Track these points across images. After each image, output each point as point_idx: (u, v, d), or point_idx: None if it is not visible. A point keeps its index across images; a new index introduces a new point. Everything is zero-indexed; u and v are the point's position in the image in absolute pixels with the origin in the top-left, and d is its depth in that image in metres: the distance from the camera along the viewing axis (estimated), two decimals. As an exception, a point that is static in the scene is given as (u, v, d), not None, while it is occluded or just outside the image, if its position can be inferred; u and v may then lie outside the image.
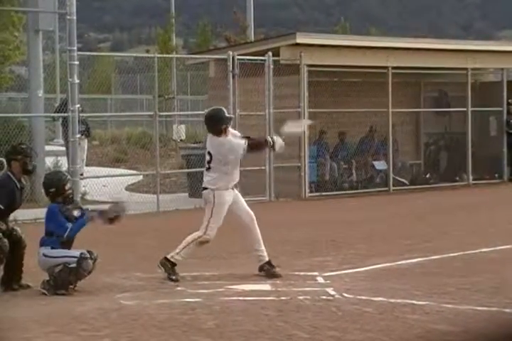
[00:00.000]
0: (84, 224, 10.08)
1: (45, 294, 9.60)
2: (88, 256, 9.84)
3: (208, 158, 10.90)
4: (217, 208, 10.72)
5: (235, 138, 10.91)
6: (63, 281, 9.67)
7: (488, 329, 7.75)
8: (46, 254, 9.86)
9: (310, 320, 8.22)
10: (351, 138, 22.55)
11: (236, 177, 10.90)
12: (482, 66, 24.13)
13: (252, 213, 10.82)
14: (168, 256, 10.55)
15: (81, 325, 8.13)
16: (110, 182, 21.71)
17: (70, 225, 9.94)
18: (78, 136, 17.76)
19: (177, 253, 10.57)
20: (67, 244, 9.98)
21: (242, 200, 10.97)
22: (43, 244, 9.95)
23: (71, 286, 9.72)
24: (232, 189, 10.85)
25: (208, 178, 10.90)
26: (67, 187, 10.09)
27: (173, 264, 10.53)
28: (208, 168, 10.88)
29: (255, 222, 10.76)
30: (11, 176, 10.22)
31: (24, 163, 10.24)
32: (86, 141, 21.73)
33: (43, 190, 10.52)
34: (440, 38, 26.00)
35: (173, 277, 10.42)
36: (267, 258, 10.69)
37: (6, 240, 9.85)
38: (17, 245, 10.01)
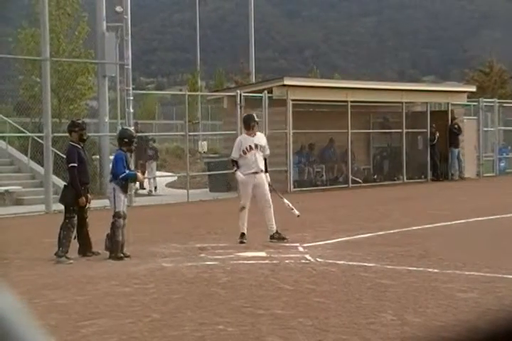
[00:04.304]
0: (134, 175, 10.07)
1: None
2: (122, 215, 9.66)
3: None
4: None
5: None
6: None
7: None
8: (112, 191, 9.69)
9: (293, 276, 8.21)
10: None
11: None
12: (412, 100, 24.14)
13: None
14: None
15: (134, 280, 8.12)
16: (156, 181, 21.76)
17: (126, 171, 9.84)
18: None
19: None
20: (125, 187, 9.81)
21: None
22: (111, 181, 9.79)
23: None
24: None
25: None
26: (134, 141, 9.98)
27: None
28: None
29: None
30: (73, 144, 10.02)
31: (80, 133, 10.03)
32: (155, 163, 21.59)
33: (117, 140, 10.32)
34: (383, 80, 26.05)
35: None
36: (274, 230, 10.81)
37: (75, 217, 9.71)
38: (82, 223, 9.83)
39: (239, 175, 10.91)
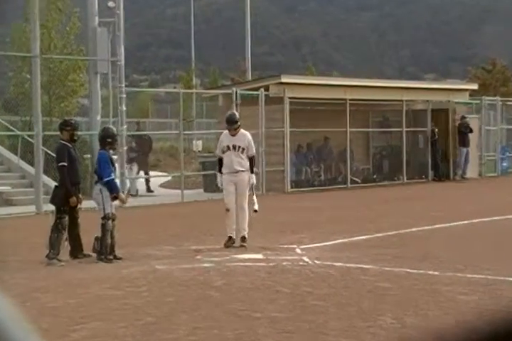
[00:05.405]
0: (118, 190, 10.02)
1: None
2: (111, 216, 9.66)
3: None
4: None
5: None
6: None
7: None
8: (99, 193, 9.66)
9: (291, 279, 8.23)
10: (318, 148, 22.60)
11: None
12: (413, 98, 24.16)
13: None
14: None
15: (127, 283, 8.13)
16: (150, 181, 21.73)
17: (113, 175, 9.81)
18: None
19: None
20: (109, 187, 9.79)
21: None
22: (97, 182, 9.80)
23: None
24: None
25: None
26: (117, 141, 10.03)
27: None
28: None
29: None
30: (64, 142, 10.02)
31: (72, 133, 10.03)
32: (136, 166, 21.51)
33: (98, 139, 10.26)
34: (382, 78, 26.07)
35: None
36: (245, 234, 10.63)
37: (66, 218, 9.69)
38: (74, 224, 9.80)
39: (218, 176, 10.97)
